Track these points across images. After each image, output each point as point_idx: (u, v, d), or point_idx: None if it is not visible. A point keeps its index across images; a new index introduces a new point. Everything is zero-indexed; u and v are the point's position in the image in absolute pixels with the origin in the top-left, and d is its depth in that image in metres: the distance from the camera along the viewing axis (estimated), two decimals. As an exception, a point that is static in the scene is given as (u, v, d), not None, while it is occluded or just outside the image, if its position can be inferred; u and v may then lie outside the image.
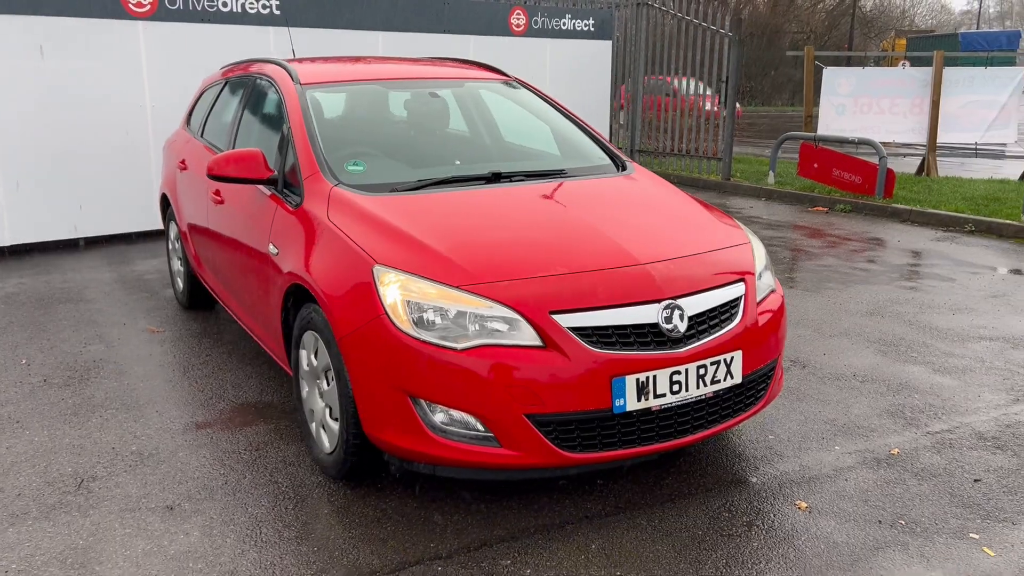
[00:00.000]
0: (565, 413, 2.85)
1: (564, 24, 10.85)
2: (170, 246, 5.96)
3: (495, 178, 3.80)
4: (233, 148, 4.64)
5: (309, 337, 3.44)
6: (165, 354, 4.95)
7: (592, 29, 11.08)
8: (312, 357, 3.44)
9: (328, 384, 3.33)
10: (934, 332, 5.24)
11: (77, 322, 5.54)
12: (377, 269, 3.05)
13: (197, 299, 5.68)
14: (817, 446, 3.69)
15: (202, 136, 5.33)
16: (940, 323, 5.43)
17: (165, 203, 5.92)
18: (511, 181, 3.79)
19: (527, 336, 2.86)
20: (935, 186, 10.49)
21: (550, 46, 10.71)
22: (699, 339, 3.04)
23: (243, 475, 3.49)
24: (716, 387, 3.07)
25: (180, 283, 5.77)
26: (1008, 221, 8.22)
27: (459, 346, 2.85)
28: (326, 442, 3.44)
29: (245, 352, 4.96)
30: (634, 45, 11.75)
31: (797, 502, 3.23)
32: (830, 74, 11.99)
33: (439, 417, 2.92)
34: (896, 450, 3.64)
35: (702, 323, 3.08)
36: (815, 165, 10.21)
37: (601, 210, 3.60)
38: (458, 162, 4.17)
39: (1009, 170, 12.51)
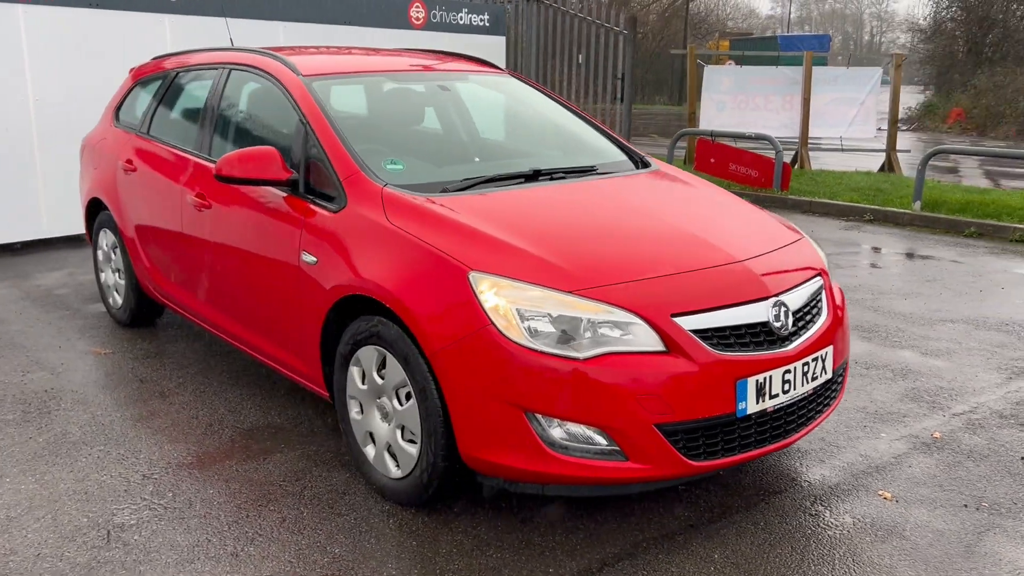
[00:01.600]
0: (693, 420, 2.73)
1: (461, 19, 10.67)
2: (100, 257, 5.33)
3: (535, 175, 3.61)
4: (210, 147, 4.19)
5: (369, 353, 3.13)
6: (127, 378, 4.41)
7: (487, 24, 10.95)
8: (374, 375, 3.14)
9: (402, 403, 3.04)
10: (900, 317, 5.51)
11: (0, 347, 4.85)
12: (474, 276, 2.80)
13: (141, 315, 5.11)
14: (865, 434, 3.76)
15: (149, 133, 4.78)
16: (900, 308, 5.72)
17: (94, 209, 5.29)
18: (551, 178, 3.62)
19: (650, 341, 2.71)
20: (819, 178, 11.11)
21: (448, 40, 10.46)
22: (801, 336, 3.00)
23: (299, 510, 3.13)
24: (815, 383, 3.05)
25: (118, 298, 5.18)
26: (902, 210, 8.81)
27: (582, 355, 2.66)
28: (392, 467, 3.15)
29: (223, 371, 4.50)
30: (525, 41, 11.72)
31: (880, 492, 3.26)
32: (711, 73, 12.45)
33: (557, 432, 2.72)
34: (938, 433, 3.76)
35: (800, 319, 3.05)
36: (712, 160, 10.56)
37: (666, 207, 3.51)
38: (477, 159, 3.94)
39: (868, 163, 13.44)
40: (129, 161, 4.78)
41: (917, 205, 8.78)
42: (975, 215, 8.39)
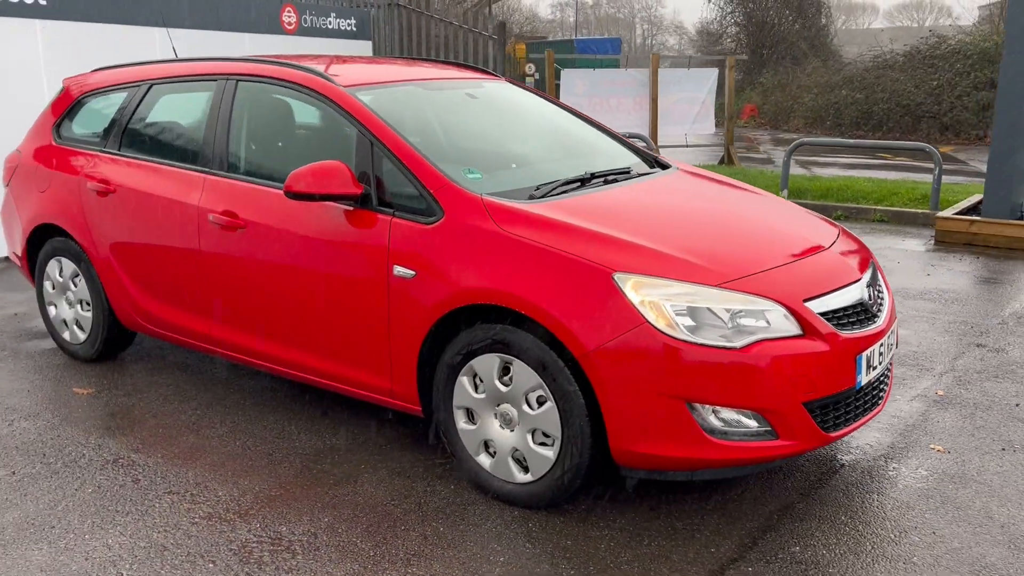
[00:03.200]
0: (829, 396, 2.98)
1: (330, 23, 10.47)
2: (49, 289, 4.84)
3: (591, 178, 3.73)
4: (227, 164, 3.96)
5: (489, 361, 3.15)
6: (136, 417, 4.07)
7: (354, 29, 10.81)
8: (496, 382, 3.15)
9: (533, 408, 3.08)
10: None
11: (-42, 396, 4.31)
12: (619, 276, 2.91)
13: (111, 348, 4.72)
14: (883, 399, 4.20)
15: (123, 151, 4.42)
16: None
17: (41, 237, 4.80)
18: (605, 181, 3.75)
19: (790, 327, 2.94)
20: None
21: (319, 45, 10.26)
22: (882, 312, 3.34)
23: (433, 526, 3.09)
24: (891, 353, 3.41)
25: (79, 332, 4.73)
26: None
27: (737, 344, 2.85)
28: (518, 472, 3.18)
29: (239, 399, 4.26)
30: (388, 46, 11.65)
31: (932, 446, 3.68)
32: (567, 75, 12.93)
33: (716, 419, 2.88)
34: (941, 391, 4.27)
35: (877, 297, 3.39)
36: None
37: (730, 203, 3.75)
38: (514, 165, 4.01)
39: (703, 158, 14.48)
40: (103, 181, 4.38)
41: (784, 193, 9.64)
42: (837, 200, 9.34)
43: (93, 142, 4.63)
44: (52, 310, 4.88)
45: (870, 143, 9.47)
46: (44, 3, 7.19)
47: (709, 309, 2.87)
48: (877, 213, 8.85)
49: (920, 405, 4.11)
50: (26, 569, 2.87)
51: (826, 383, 2.96)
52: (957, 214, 7.94)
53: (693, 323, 2.85)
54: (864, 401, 3.19)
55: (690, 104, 13.36)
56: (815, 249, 3.33)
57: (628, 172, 3.95)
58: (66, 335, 4.83)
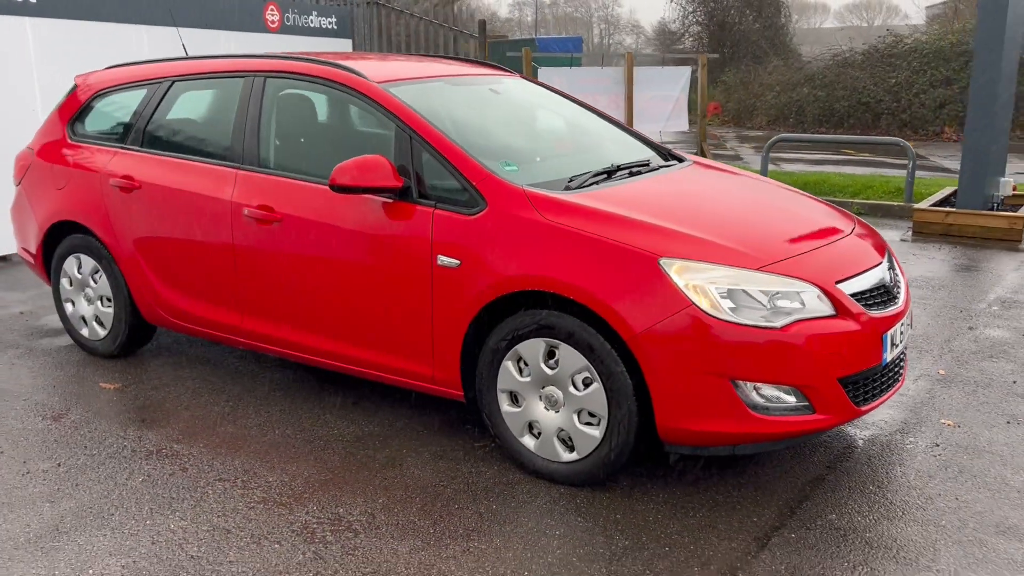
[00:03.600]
0: (860, 372, 3.17)
1: (312, 21, 10.49)
2: (67, 286, 4.85)
3: (616, 170, 3.88)
4: (259, 158, 4.03)
5: (535, 345, 3.28)
6: (168, 409, 4.13)
7: (335, 27, 10.85)
8: (542, 365, 3.28)
9: (580, 389, 3.23)
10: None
11: (-16, 393, 4.33)
12: (664, 261, 3.06)
13: (133, 344, 4.76)
14: (890, 379, 4.42)
15: (147, 147, 4.47)
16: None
17: (58, 235, 4.81)
18: (631, 173, 3.90)
19: (825, 307, 3.12)
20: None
21: (302, 43, 10.28)
22: (901, 294, 3.54)
23: (486, 504, 3.22)
24: (909, 333, 3.61)
25: (98, 328, 4.76)
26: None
27: (778, 324, 3.01)
28: (563, 451, 3.32)
29: (267, 388, 4.34)
30: (368, 44, 11.70)
31: (943, 421, 3.90)
32: (545, 73, 13.06)
33: (758, 396, 3.05)
34: (942, 371, 4.49)
35: (894, 281, 3.59)
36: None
37: (751, 192, 3.93)
38: (538, 159, 4.14)
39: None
40: (127, 177, 4.43)
41: (763, 188, 9.90)
42: (814, 194, 9.61)
43: (112, 139, 4.66)
44: (69, 307, 4.90)
45: (849, 138, 9.77)
46: (34, 1, 7.14)
47: (750, 291, 3.04)
48: (855, 206, 9.14)
49: (925, 384, 4.33)
50: (95, 554, 2.93)
51: (858, 360, 3.14)
52: (932, 206, 8.25)
53: (734, 305, 3.01)
54: (888, 377, 3.39)
55: (664, 102, 13.57)
56: (838, 234, 3.52)
57: (647, 164, 4.11)
58: (84, 332, 4.86)
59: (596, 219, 3.25)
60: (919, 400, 4.12)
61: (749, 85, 25.05)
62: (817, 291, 3.11)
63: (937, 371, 4.50)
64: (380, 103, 3.73)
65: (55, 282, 4.93)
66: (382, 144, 3.84)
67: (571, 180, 3.60)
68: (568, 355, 3.22)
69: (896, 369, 3.47)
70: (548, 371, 3.29)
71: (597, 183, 3.64)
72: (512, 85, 4.54)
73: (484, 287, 3.33)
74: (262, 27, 9.73)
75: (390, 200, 3.58)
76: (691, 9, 29.21)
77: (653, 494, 3.28)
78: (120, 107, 4.71)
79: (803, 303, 3.08)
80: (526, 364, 3.35)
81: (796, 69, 24.21)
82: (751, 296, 3.03)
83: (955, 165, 13.86)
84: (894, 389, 3.43)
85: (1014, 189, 8.52)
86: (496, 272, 3.30)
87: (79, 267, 4.77)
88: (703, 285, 3.02)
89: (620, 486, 3.34)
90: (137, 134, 4.53)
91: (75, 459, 3.63)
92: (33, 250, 4.99)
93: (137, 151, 4.49)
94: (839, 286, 3.18)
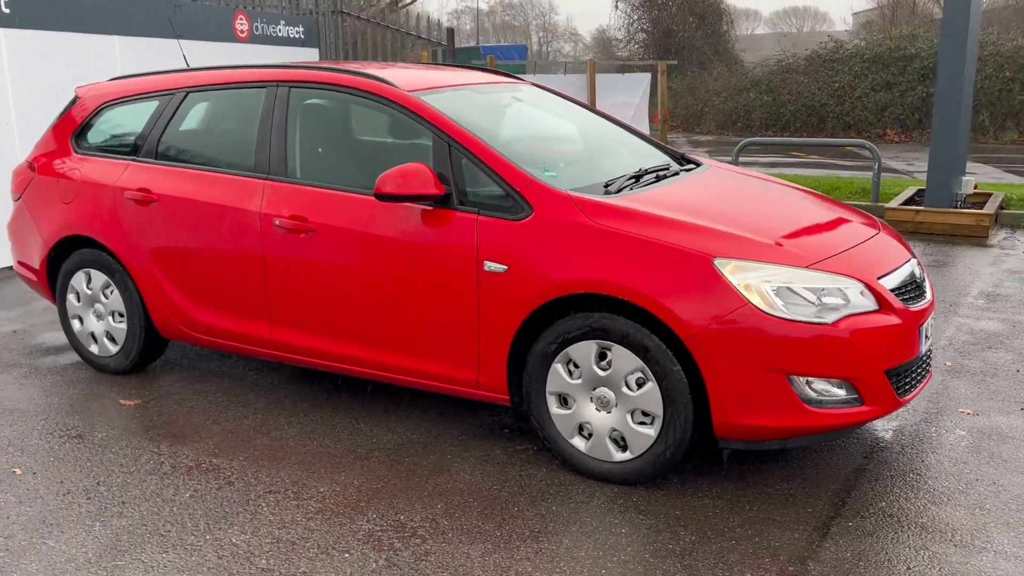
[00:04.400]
0: (902, 364, 3.30)
1: (280, 31, 10.41)
2: (75, 302, 4.74)
3: (643, 174, 3.96)
4: (286, 168, 4.01)
5: (586, 347, 3.33)
6: (196, 424, 4.07)
7: (302, 36, 10.78)
8: (593, 367, 3.34)
9: (633, 389, 3.29)
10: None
11: (-1, 413, 4.21)
12: (719, 262, 3.15)
13: (145, 359, 4.68)
14: (901, 372, 4.58)
15: (162, 159, 4.40)
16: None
17: (65, 250, 4.70)
18: (658, 177, 3.99)
19: (869, 302, 3.23)
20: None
21: (270, 53, 10.20)
22: (928, 290, 3.69)
23: (544, 505, 3.26)
24: (933, 328, 3.76)
25: (109, 345, 4.67)
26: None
27: (828, 320, 3.12)
28: (615, 451, 3.38)
29: (295, 399, 4.31)
30: (334, 53, 11.64)
31: (962, 410, 4.06)
32: (509, 80, 13.17)
33: (810, 390, 3.15)
34: (949, 363, 4.68)
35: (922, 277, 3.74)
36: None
37: (778, 195, 4.04)
38: (562, 164, 4.20)
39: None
40: (142, 190, 4.35)
41: (733, 191, 10.12)
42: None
43: (123, 151, 4.58)
44: (77, 324, 4.78)
45: (817, 141, 10.06)
46: (7, 11, 6.96)
47: (800, 289, 3.14)
48: (824, 207, 9.40)
49: (936, 375, 4.50)
50: (162, 571, 2.89)
51: (900, 352, 3.27)
52: (901, 205, 8.54)
53: (786, 302, 3.11)
54: (922, 368, 3.53)
55: (625, 108, 13.79)
56: (871, 233, 3.66)
57: (668, 168, 4.20)
58: (94, 348, 4.75)
59: (644, 222, 3.32)
60: (934, 391, 4.28)
61: (696, 91, 25.49)
62: (861, 287, 3.23)
63: (944, 363, 4.68)
64: (415, 112, 3.75)
65: (61, 299, 4.81)
66: (413, 152, 3.87)
67: (608, 184, 3.67)
68: (622, 356, 3.28)
69: (927, 361, 3.61)
70: (600, 372, 3.34)
71: (630, 187, 3.71)
72: (530, 93, 4.60)
73: (534, 292, 3.37)
74: (232, 37, 9.62)
75: (430, 208, 3.60)
76: (636, 17, 29.61)
77: (706, 490, 3.36)
78: (129, 119, 4.63)
79: (849, 299, 3.19)
80: (576, 366, 3.40)
81: (742, 75, 24.73)
82: (801, 293, 3.13)
83: (901, 165, 14.37)
84: (926, 380, 3.57)
85: (975, 188, 8.87)
86: (546, 276, 3.35)
87: (88, 282, 4.66)
88: (757, 284, 3.11)
89: (671, 484, 3.41)
90: (151, 146, 4.46)
91: (114, 477, 3.56)
92: (36, 266, 4.86)
93: (152, 163, 4.42)
94: (881, 282, 3.30)
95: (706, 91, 25.05)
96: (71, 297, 4.76)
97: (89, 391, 4.52)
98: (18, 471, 3.63)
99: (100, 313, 4.68)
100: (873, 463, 3.56)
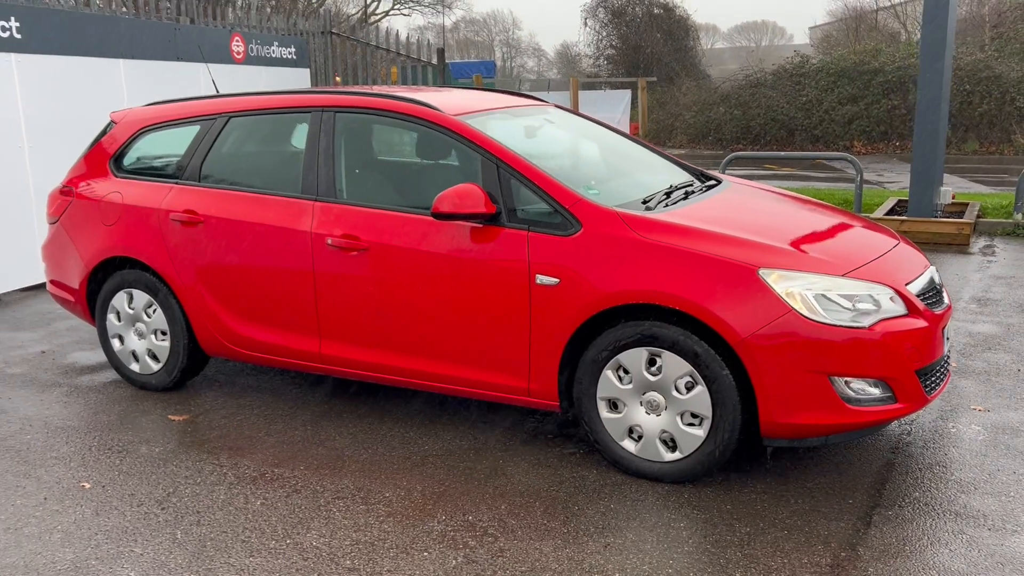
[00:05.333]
0: (930, 364, 3.56)
1: (273, 52, 10.56)
2: (116, 322, 4.85)
3: (673, 190, 4.21)
4: (335, 190, 4.19)
5: (637, 354, 3.55)
6: (248, 437, 4.22)
7: (294, 57, 10.93)
8: (644, 373, 3.56)
9: (683, 393, 3.51)
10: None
11: (49, 434, 4.31)
12: (763, 272, 3.39)
13: (187, 375, 4.81)
14: (911, 373, 4.86)
15: (207, 181, 4.56)
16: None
17: (104, 271, 4.83)
18: (686, 194, 4.23)
19: (899, 307, 3.50)
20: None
21: (264, 74, 10.35)
22: (945, 295, 3.97)
23: (603, 504, 3.46)
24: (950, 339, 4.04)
25: (151, 363, 4.79)
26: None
27: (865, 324, 3.38)
28: (665, 452, 3.60)
29: (341, 410, 4.47)
30: (324, 73, 11.80)
31: (974, 407, 4.34)
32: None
33: (849, 389, 3.40)
34: (954, 364, 4.97)
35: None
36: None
37: (800, 209, 4.30)
38: (592, 182, 4.43)
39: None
40: (189, 211, 4.50)
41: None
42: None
43: (165, 174, 4.72)
44: (117, 343, 4.90)
45: (801, 155, 10.39)
46: (19, 36, 7.05)
47: (837, 295, 3.39)
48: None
49: (943, 376, 4.79)
50: (253, 572, 3.04)
51: (927, 353, 3.53)
52: (884, 215, 8.91)
53: (825, 308, 3.36)
54: (944, 368, 3.80)
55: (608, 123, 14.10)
56: (893, 243, 3.93)
57: (693, 184, 4.45)
58: (134, 367, 4.87)
59: (689, 235, 3.56)
60: (946, 390, 4.56)
61: (666, 105, 25.99)
62: (891, 293, 3.49)
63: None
64: (463, 135, 3.95)
65: (101, 318, 4.92)
66: (458, 173, 4.08)
67: (646, 201, 3.91)
68: (672, 362, 3.50)
69: (947, 361, 3.88)
70: (650, 378, 3.56)
71: (666, 203, 3.95)
72: (559, 115, 4.83)
73: (585, 303, 3.59)
74: (228, 58, 9.75)
75: (480, 225, 3.80)
76: (605, 33, 30.11)
77: (751, 486, 3.59)
78: (169, 143, 4.78)
79: (880, 304, 3.45)
80: (626, 372, 3.61)
81: (711, 90, 25.26)
82: (837, 300, 3.38)
83: (872, 177, 14.84)
84: (947, 379, 3.84)
85: (953, 198, 9.28)
86: (597, 288, 3.57)
87: (130, 302, 4.79)
88: (799, 291, 3.36)
89: (716, 482, 3.63)
90: (194, 169, 4.61)
91: (182, 488, 3.70)
92: (75, 286, 4.97)
93: (196, 186, 4.57)
94: (908, 288, 3.57)
95: (676, 105, 25.55)
96: (111, 317, 4.88)
97: (135, 408, 4.64)
98: (87, 485, 3.75)
99: (142, 332, 4.80)
100: (900, 457, 3.82)
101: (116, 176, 4.87)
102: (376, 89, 4.44)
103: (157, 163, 4.82)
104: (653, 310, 3.54)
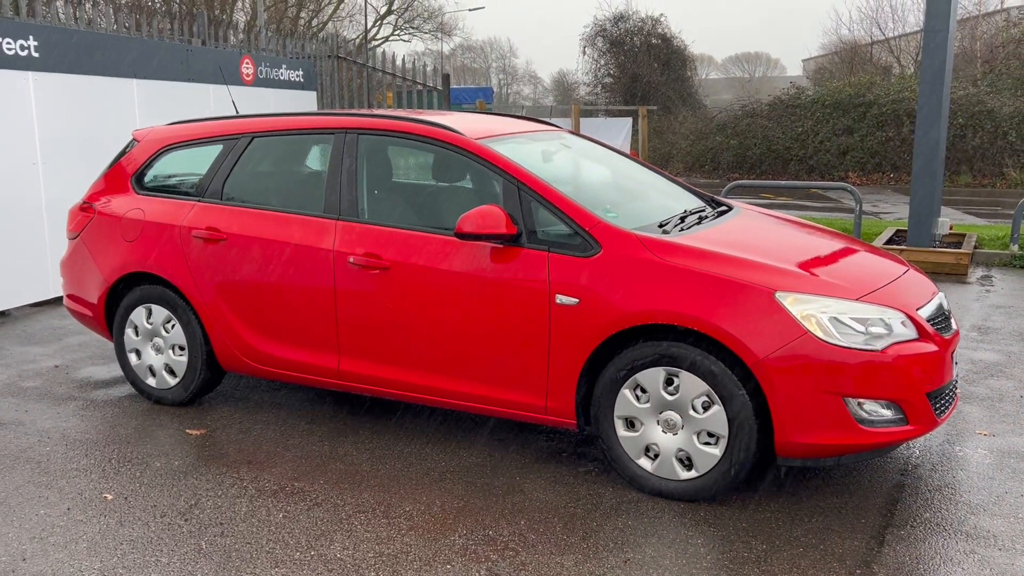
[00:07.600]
0: (940, 387, 3.65)
1: (282, 75, 10.69)
2: (134, 337, 4.91)
3: (687, 215, 4.31)
4: (358, 211, 4.28)
5: (654, 374, 3.63)
6: (269, 452, 4.27)
7: (302, 80, 11.07)
8: (661, 392, 3.64)
9: (700, 412, 3.59)
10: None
11: (68, 446, 4.36)
12: (780, 295, 3.48)
13: (203, 390, 4.86)
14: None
15: (230, 199, 4.64)
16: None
17: (124, 286, 4.90)
18: (700, 219, 4.34)
19: (910, 331, 3.59)
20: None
21: (272, 96, 10.48)
22: (953, 320, 4.07)
23: (622, 520, 3.53)
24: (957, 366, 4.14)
25: (168, 377, 4.85)
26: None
27: (878, 347, 3.47)
28: (681, 470, 3.67)
29: (355, 426, 4.53)
30: (329, 96, 11.94)
31: (979, 432, 4.43)
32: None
33: (861, 411, 3.48)
34: (959, 390, 5.05)
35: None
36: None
37: (809, 236, 4.41)
38: (607, 206, 4.53)
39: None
40: (211, 229, 4.58)
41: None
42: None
43: (187, 192, 4.81)
44: (134, 358, 4.95)
45: (800, 184, 10.51)
46: (37, 55, 7.15)
47: (851, 319, 3.48)
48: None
49: (948, 401, 4.88)
50: (280, 584, 3.09)
51: (938, 376, 3.62)
52: (884, 245, 9.04)
53: (844, 331, 3.45)
54: (952, 392, 3.88)
55: (608, 150, 14.26)
56: (903, 269, 4.04)
57: (705, 210, 4.56)
58: (151, 381, 4.92)
59: (707, 258, 3.65)
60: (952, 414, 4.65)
61: (663, 134, 26.27)
62: (903, 317, 3.59)
63: (953, 390, 5.06)
64: (486, 159, 4.05)
65: (118, 333, 4.98)
66: (478, 195, 4.18)
67: (662, 224, 4.01)
68: (689, 381, 3.58)
69: (956, 385, 3.97)
70: (668, 397, 3.64)
71: (681, 227, 4.05)
72: (575, 140, 4.95)
73: (604, 322, 3.67)
74: (238, 80, 9.87)
75: (500, 246, 3.89)
76: (603, 62, 30.45)
77: (765, 505, 3.66)
78: (192, 161, 4.86)
79: (892, 328, 3.54)
80: (644, 391, 3.69)
81: (708, 119, 25.54)
82: (851, 323, 3.48)
83: (867, 207, 15.00)
84: (955, 402, 3.93)
85: (951, 228, 9.43)
86: (617, 308, 3.65)
87: (148, 317, 4.85)
88: (815, 314, 3.45)
89: (731, 501, 3.70)
90: (216, 187, 4.70)
91: (204, 501, 3.74)
92: (94, 301, 5.03)
93: (219, 204, 4.65)
94: (919, 313, 3.67)
95: (673, 134, 25.84)
96: (129, 331, 4.94)
97: (152, 421, 4.69)
98: (109, 496, 3.79)
99: (160, 347, 4.86)
100: (910, 479, 3.90)
101: (138, 193, 4.95)
102: (399, 112, 4.54)
103: (179, 181, 4.90)
104: (671, 330, 3.63)
